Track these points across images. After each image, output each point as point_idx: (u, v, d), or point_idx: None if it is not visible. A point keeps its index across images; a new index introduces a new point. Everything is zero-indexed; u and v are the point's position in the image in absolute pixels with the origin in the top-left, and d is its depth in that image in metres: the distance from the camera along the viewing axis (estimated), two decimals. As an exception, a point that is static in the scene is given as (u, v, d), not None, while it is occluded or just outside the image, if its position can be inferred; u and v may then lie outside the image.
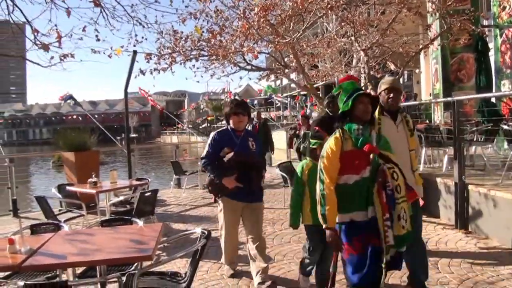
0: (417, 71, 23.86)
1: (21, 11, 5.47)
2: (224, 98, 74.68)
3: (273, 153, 15.12)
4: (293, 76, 18.90)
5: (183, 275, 4.08)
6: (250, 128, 11.88)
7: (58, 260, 3.64)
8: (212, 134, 5.43)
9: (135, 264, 4.13)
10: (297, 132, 15.43)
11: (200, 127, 77.25)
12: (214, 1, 9.05)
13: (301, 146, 11.52)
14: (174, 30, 9.62)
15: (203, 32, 9.23)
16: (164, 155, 26.80)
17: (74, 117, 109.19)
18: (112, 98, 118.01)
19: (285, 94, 60.98)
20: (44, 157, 40.17)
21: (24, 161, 32.67)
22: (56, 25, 5.90)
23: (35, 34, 5.55)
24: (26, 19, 5.59)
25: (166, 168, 20.20)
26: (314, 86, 15.25)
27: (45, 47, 5.62)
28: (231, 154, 5.05)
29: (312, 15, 8.91)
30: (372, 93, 11.89)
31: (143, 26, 6.98)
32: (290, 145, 16.14)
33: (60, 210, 8.02)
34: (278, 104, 65.32)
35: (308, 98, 43.06)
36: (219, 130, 5.45)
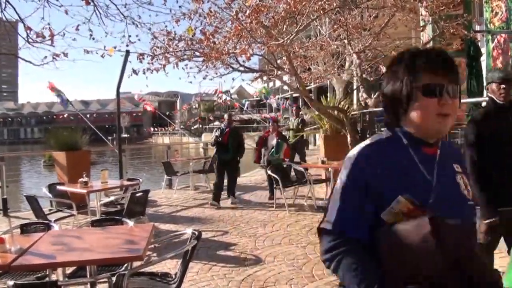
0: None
1: (14, 8, 5.47)
2: (216, 100, 74.64)
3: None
4: (286, 78, 18.91)
5: (174, 276, 4.08)
6: (218, 134, 10.41)
7: (48, 260, 3.63)
8: (350, 156, 1.74)
9: (126, 264, 4.12)
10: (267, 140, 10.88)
11: (192, 128, 77.20)
12: (208, 2, 9.03)
13: (272, 159, 10.26)
14: (168, 31, 9.60)
15: (194, 33, 9.23)
16: (156, 155, 26.76)
17: (66, 116, 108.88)
18: (104, 98, 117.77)
19: (278, 96, 61.08)
20: (35, 156, 39.99)
21: (15, 160, 32.55)
22: (49, 24, 5.91)
23: (28, 31, 5.55)
24: (19, 16, 5.59)
25: (157, 169, 20.15)
26: (307, 88, 15.26)
27: (41, 36, 5.62)
28: (424, 225, 1.51)
29: (305, 18, 8.92)
30: (364, 95, 12.01)
31: (136, 26, 7.01)
32: (256, 158, 11.12)
33: (50, 210, 7.99)
34: (274, 106, 65.28)
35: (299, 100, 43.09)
36: (367, 143, 1.77)
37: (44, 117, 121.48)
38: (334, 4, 8.94)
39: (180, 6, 9.22)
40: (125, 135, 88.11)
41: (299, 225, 8.00)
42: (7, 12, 5.42)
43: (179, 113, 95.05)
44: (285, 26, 9.48)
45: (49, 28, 5.90)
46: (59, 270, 4.20)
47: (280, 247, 6.68)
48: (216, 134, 10.41)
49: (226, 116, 11.00)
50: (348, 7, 9.54)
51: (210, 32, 9.20)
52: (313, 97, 30.05)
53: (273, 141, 10.51)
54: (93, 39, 6.62)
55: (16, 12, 5.49)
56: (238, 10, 8.61)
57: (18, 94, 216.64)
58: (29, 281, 4.02)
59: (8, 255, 3.64)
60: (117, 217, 5.11)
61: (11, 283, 3.04)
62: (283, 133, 12.67)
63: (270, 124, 11.57)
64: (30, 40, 5.47)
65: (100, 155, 32.29)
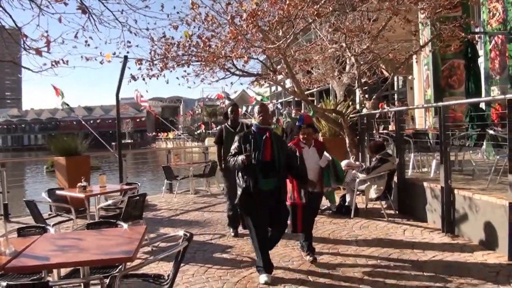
0: (410, 77, 24.01)
1: (10, 16, 5.54)
2: (219, 104, 74.84)
3: None
4: (287, 82, 18.93)
5: (166, 277, 4.13)
6: (249, 146, 5.32)
7: (42, 262, 3.67)
8: None
9: (119, 266, 4.17)
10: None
11: (196, 132, 77.21)
12: (205, 7, 9.10)
13: (328, 190, 7.75)
14: (165, 37, 9.66)
15: (191, 37, 9.29)
16: (159, 159, 26.83)
17: (69, 122, 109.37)
18: (107, 104, 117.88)
19: (280, 100, 61.04)
20: (37, 161, 40.20)
21: (18, 166, 32.75)
22: (47, 31, 5.96)
23: (24, 39, 5.61)
24: (16, 24, 5.65)
25: (160, 173, 20.21)
26: (309, 92, 15.29)
27: (38, 52, 5.67)
28: None
29: (301, 21, 8.98)
30: (365, 102, 12.04)
31: (135, 34, 7.05)
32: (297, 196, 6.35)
33: (50, 215, 8.05)
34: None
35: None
36: None
37: (48, 124, 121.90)
38: (331, 9, 9.00)
39: (178, 12, 9.17)
40: (129, 141, 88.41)
41: (297, 227, 8.03)
42: (3, 20, 5.48)
43: (182, 118, 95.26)
44: (281, 30, 9.54)
45: (47, 35, 5.96)
46: (55, 272, 4.25)
47: (276, 249, 6.67)
48: (246, 146, 5.41)
49: (257, 108, 5.74)
50: (343, 11, 9.60)
51: (206, 36, 9.27)
52: (315, 101, 30.09)
53: (317, 158, 6.15)
54: (88, 45, 6.64)
55: (13, 20, 5.56)
56: (234, 14, 8.68)
57: (22, 100, 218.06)
58: (22, 282, 4.07)
59: (2, 257, 3.71)
60: (112, 221, 5.17)
61: (3, 283, 3.10)
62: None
63: (302, 129, 6.19)
64: (26, 47, 5.54)
65: (104, 160, 32.42)
